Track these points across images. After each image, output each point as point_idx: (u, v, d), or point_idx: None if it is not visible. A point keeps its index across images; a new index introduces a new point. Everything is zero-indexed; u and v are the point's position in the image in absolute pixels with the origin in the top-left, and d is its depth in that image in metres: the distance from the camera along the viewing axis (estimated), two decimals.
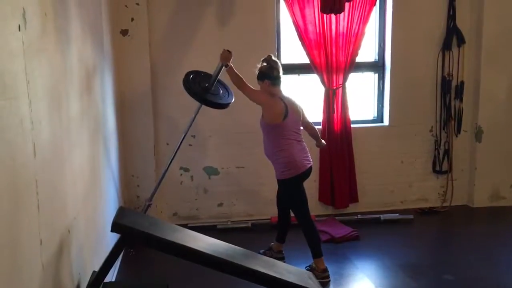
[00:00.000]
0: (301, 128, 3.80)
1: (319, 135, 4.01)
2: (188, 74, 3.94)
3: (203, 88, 3.87)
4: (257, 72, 3.67)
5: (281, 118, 3.58)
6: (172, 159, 4.12)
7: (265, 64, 3.67)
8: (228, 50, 3.67)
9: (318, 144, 4.01)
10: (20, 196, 1.64)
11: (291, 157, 3.61)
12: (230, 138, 4.81)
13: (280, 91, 3.68)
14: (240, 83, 3.63)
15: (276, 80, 3.64)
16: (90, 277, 2.54)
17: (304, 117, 3.81)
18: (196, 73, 3.99)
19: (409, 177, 5.19)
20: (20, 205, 1.63)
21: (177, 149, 4.10)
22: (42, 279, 1.83)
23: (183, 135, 4.07)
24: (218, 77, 3.88)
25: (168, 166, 4.13)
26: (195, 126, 4.50)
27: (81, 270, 2.52)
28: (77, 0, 2.70)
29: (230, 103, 3.95)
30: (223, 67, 3.70)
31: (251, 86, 3.67)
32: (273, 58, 3.71)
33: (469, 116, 5.18)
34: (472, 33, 5.05)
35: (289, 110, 3.61)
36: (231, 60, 3.67)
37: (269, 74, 3.62)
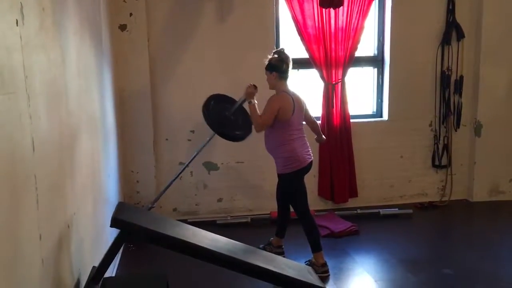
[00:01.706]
0: (303, 122, 3.80)
1: (320, 130, 4.01)
2: (208, 101, 3.86)
3: (222, 118, 3.82)
4: (266, 62, 3.66)
5: (290, 114, 3.58)
6: (182, 171, 4.20)
7: (276, 56, 3.67)
8: (254, 86, 3.65)
9: (319, 138, 4.01)
10: (19, 191, 1.64)
11: (293, 151, 3.61)
12: None
13: (286, 86, 3.67)
14: (258, 124, 3.59)
15: (284, 74, 3.64)
16: (90, 273, 2.54)
17: (307, 112, 3.82)
18: (216, 99, 3.91)
19: (409, 171, 5.19)
20: (19, 200, 1.63)
21: (187, 165, 4.23)
22: (41, 274, 1.83)
23: (195, 153, 4.17)
24: (241, 106, 3.84)
25: (177, 177, 4.21)
26: (195, 122, 4.50)
27: (81, 265, 2.52)
28: None
29: (247, 136, 3.92)
30: (246, 101, 3.67)
31: (259, 113, 3.61)
32: (285, 52, 3.70)
33: (469, 111, 5.17)
34: (472, 28, 5.04)
35: (296, 106, 3.62)
36: (256, 95, 3.63)
37: (278, 66, 3.61)
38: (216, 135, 3.91)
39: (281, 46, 4.82)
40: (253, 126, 3.72)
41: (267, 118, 3.58)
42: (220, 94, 4.00)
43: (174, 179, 4.21)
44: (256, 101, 3.63)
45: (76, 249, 2.42)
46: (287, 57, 3.66)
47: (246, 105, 3.73)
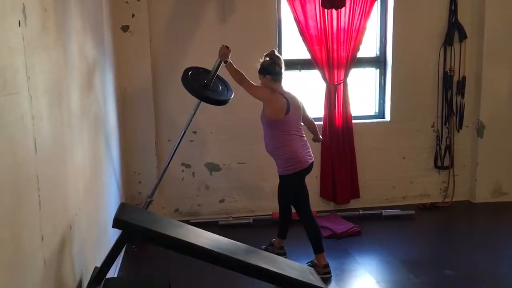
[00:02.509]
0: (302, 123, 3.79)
1: (317, 130, 4.01)
2: (186, 71, 3.92)
3: (202, 85, 3.86)
4: (259, 66, 3.67)
5: (283, 114, 3.57)
6: (173, 155, 4.12)
7: (267, 59, 3.67)
8: (226, 46, 3.67)
9: (315, 138, 4.01)
10: (21, 192, 1.64)
11: (293, 153, 3.61)
12: (231, 134, 4.81)
13: (281, 87, 3.67)
14: (240, 79, 3.62)
15: (277, 76, 3.63)
16: (92, 273, 2.54)
17: (304, 113, 3.81)
18: (195, 69, 3.98)
19: (411, 172, 5.18)
20: (21, 201, 1.63)
21: (177, 146, 4.10)
22: (44, 275, 1.83)
23: (183, 131, 4.07)
24: (217, 73, 3.87)
25: (169, 163, 4.14)
26: (196, 123, 4.49)
27: (83, 266, 2.52)
28: None
29: (229, 99, 3.94)
30: (222, 63, 3.69)
31: (252, 82, 3.66)
32: (276, 53, 3.71)
33: (471, 112, 5.16)
34: (474, 28, 5.03)
35: (291, 106, 3.61)
36: (230, 55, 3.66)
37: (271, 69, 3.61)
38: (201, 103, 3.91)
39: (283, 47, 4.86)
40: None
41: (253, 87, 3.61)
42: (197, 66, 4.03)
43: (168, 164, 4.14)
44: (230, 60, 3.64)
45: (78, 249, 2.42)
46: (278, 58, 3.66)
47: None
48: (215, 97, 3.88)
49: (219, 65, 3.75)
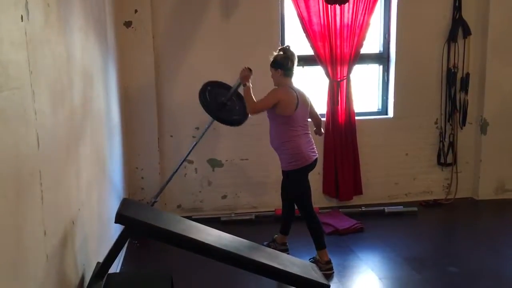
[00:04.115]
0: (309, 119, 3.79)
1: (321, 126, 4.00)
2: (205, 86, 3.90)
3: (219, 103, 3.85)
4: (271, 59, 3.66)
5: (293, 110, 3.57)
6: (183, 161, 4.19)
7: (281, 53, 3.66)
8: (249, 69, 3.65)
9: (317, 131, 4.00)
10: (24, 186, 1.64)
11: (298, 148, 3.61)
12: (234, 130, 4.78)
13: (291, 83, 3.67)
14: (252, 108, 3.61)
15: (289, 71, 3.63)
16: (95, 268, 2.55)
17: (312, 109, 3.81)
18: (213, 85, 3.95)
19: (414, 169, 5.17)
20: (24, 196, 1.63)
21: (188, 154, 4.24)
22: (46, 270, 1.83)
23: (194, 143, 4.19)
24: (237, 91, 3.86)
25: (178, 168, 4.21)
26: (199, 118, 4.50)
27: (86, 261, 2.52)
28: None
29: (244, 120, 3.95)
30: (241, 85, 3.68)
31: (256, 100, 3.61)
32: (290, 49, 3.70)
33: (474, 108, 5.15)
34: (478, 25, 5.01)
35: (300, 102, 3.61)
36: (251, 78, 3.65)
37: (283, 63, 3.61)
38: (215, 121, 3.92)
39: (286, 43, 4.84)
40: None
41: (263, 104, 3.59)
42: (216, 80, 4.02)
43: (175, 171, 4.20)
44: (251, 84, 3.63)
45: (81, 245, 2.43)
46: (292, 54, 3.65)
47: (241, 90, 3.75)
48: (229, 119, 3.91)
49: (238, 85, 3.75)
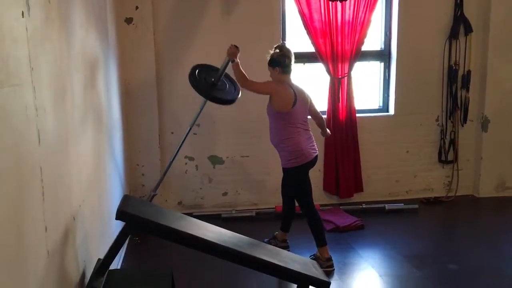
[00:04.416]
0: (308, 117, 3.78)
1: (325, 125, 4.00)
2: (194, 68, 3.90)
3: (209, 84, 3.84)
4: (268, 58, 3.65)
5: (290, 106, 3.57)
6: (177, 152, 4.12)
7: (277, 51, 3.66)
8: (235, 46, 3.65)
9: (323, 133, 4.01)
10: (25, 182, 1.65)
11: (297, 145, 3.60)
12: (235, 127, 4.81)
13: (289, 80, 3.66)
14: (243, 81, 3.61)
15: (286, 68, 3.62)
16: (95, 265, 2.55)
17: (312, 106, 3.80)
18: (202, 67, 3.95)
19: (415, 166, 5.17)
20: (25, 192, 1.64)
21: (182, 142, 4.11)
22: (47, 266, 1.84)
23: (188, 128, 4.07)
24: (225, 72, 3.85)
25: (173, 159, 4.15)
26: (200, 115, 4.48)
27: (86, 257, 2.53)
28: None
29: (235, 98, 3.92)
30: (230, 62, 3.68)
31: (255, 81, 3.63)
32: (286, 46, 3.69)
33: (476, 106, 5.14)
34: (480, 22, 5.00)
35: (298, 98, 3.60)
36: (238, 55, 3.64)
37: (280, 61, 3.60)
38: (207, 102, 3.90)
39: (287, 40, 4.83)
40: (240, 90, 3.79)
41: (256, 85, 3.60)
42: (204, 64, 4.00)
43: (173, 159, 4.14)
44: (238, 60, 3.62)
45: (82, 241, 2.43)
46: (288, 51, 3.65)
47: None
48: (221, 97, 3.86)
49: (227, 64, 3.73)
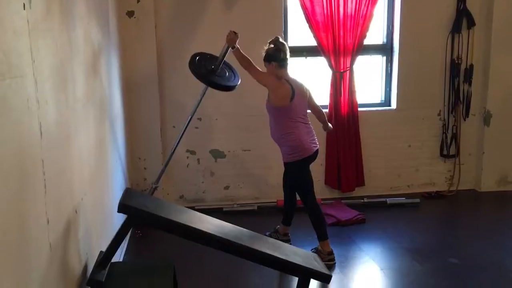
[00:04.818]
0: (308, 111, 3.78)
1: (326, 119, 3.99)
2: (194, 56, 3.90)
3: (209, 70, 3.84)
4: (263, 54, 3.64)
5: (288, 101, 3.56)
6: (178, 142, 4.12)
7: (272, 46, 3.64)
8: (234, 32, 3.64)
9: (325, 127, 4.00)
10: (27, 175, 1.65)
11: (298, 140, 3.60)
12: (237, 121, 4.80)
13: (286, 74, 3.65)
14: (247, 65, 3.62)
15: (282, 62, 3.61)
16: (98, 257, 2.56)
17: (311, 100, 3.79)
18: (202, 55, 3.96)
19: (416, 161, 5.17)
20: (27, 185, 1.64)
21: (183, 132, 4.09)
22: (49, 259, 1.84)
23: (189, 117, 4.06)
24: (225, 59, 3.85)
25: (174, 149, 4.14)
26: (202, 109, 4.48)
27: (89, 250, 2.54)
28: None
29: (236, 85, 3.92)
30: (229, 49, 3.67)
31: (259, 68, 3.64)
32: (280, 40, 3.68)
33: (478, 100, 5.12)
34: (483, 16, 4.97)
35: (296, 93, 3.59)
36: (237, 41, 3.64)
37: (276, 56, 3.59)
38: (208, 89, 3.90)
39: (289, 34, 4.82)
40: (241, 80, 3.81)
41: (257, 73, 3.61)
42: (204, 52, 4.00)
43: (173, 151, 4.13)
44: (238, 46, 3.63)
45: (84, 234, 2.44)
46: (283, 45, 3.63)
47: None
48: (222, 83, 3.86)
49: (226, 50, 3.73)
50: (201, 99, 4.00)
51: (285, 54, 3.62)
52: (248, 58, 3.62)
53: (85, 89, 2.65)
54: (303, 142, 3.61)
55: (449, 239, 4.20)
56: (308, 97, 3.75)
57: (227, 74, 3.95)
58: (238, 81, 3.93)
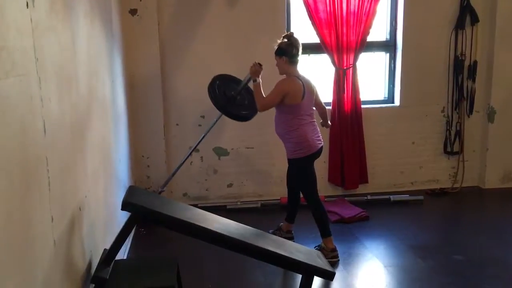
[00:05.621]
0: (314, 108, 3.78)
1: (327, 116, 3.99)
2: (214, 80, 3.89)
3: (228, 98, 3.83)
4: (276, 47, 3.63)
5: (300, 99, 3.55)
6: (190, 153, 4.18)
7: (285, 40, 3.63)
8: (259, 63, 3.63)
9: (324, 123, 3.99)
10: (31, 173, 1.66)
11: (303, 136, 3.60)
12: None
13: (296, 70, 3.64)
14: (261, 103, 3.59)
15: (293, 58, 3.60)
16: (102, 255, 2.57)
17: (317, 97, 3.79)
18: (222, 79, 3.93)
19: (420, 158, 5.16)
20: (31, 182, 1.65)
21: (195, 147, 4.27)
22: (53, 256, 1.85)
23: (202, 135, 4.19)
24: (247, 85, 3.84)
25: (184, 160, 4.21)
26: (205, 107, 4.49)
27: (93, 247, 2.55)
28: None
29: (253, 115, 3.94)
30: (251, 80, 3.66)
31: (265, 95, 3.61)
32: (294, 36, 3.67)
33: (482, 97, 5.11)
34: (486, 12, 4.95)
35: (306, 90, 3.59)
36: (261, 73, 3.62)
37: (288, 51, 3.58)
38: (223, 115, 3.91)
39: (292, 31, 4.81)
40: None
41: (271, 99, 3.57)
42: (226, 74, 4.00)
43: (183, 162, 4.22)
44: (260, 80, 3.62)
45: (88, 231, 2.45)
46: (296, 41, 3.62)
47: (251, 84, 3.73)
48: (238, 113, 3.89)
49: (248, 81, 3.73)
50: (215, 121, 4.15)
51: (297, 51, 3.60)
52: (263, 98, 3.58)
53: (88, 86, 2.65)
54: (308, 138, 3.61)
55: (453, 236, 4.19)
56: (315, 94, 3.75)
57: (246, 102, 3.93)
58: (256, 113, 3.92)
